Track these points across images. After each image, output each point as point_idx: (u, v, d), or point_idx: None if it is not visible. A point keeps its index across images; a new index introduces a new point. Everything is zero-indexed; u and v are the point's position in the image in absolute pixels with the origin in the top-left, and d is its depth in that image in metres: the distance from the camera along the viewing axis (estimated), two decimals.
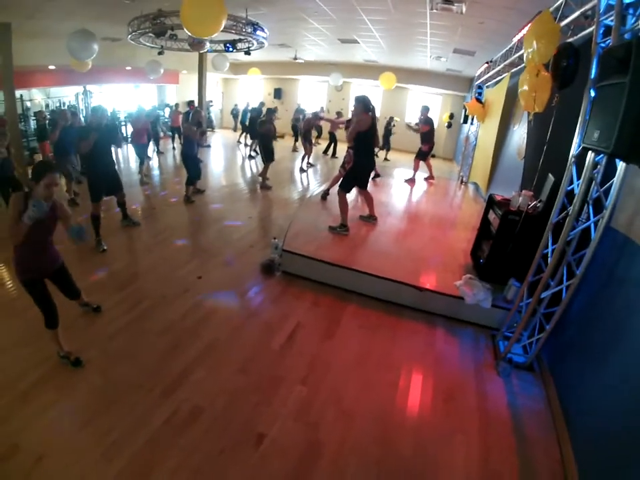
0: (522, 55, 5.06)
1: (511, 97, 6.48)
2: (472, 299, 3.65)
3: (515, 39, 4.73)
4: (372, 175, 6.40)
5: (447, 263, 4.37)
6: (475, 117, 9.07)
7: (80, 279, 3.11)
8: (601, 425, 2.17)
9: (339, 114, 12.05)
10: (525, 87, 3.40)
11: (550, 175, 3.58)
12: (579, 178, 2.79)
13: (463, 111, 10.02)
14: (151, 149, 10.74)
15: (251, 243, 5.03)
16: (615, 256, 2.56)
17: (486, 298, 3.64)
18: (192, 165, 6.46)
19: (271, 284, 4.05)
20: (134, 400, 2.44)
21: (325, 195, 6.39)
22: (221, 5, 4.32)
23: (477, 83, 8.99)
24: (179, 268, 4.21)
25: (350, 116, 6.56)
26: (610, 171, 2.61)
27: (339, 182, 4.96)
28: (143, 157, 7.95)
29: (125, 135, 11.92)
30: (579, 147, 2.78)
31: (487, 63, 6.83)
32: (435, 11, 5.78)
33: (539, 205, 3.58)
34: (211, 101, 16.53)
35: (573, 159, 2.89)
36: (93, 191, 4.50)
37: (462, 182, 9.61)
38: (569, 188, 2.92)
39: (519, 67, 5.63)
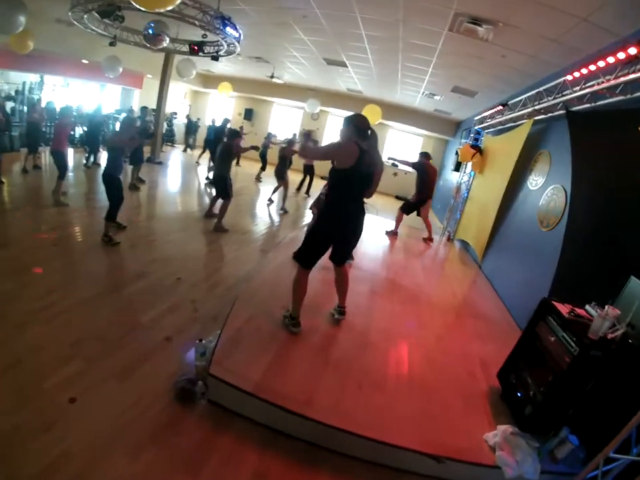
0: (565, 100, 3.92)
1: (530, 148, 5.34)
2: (515, 471, 2.20)
3: (566, 78, 3.50)
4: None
5: (464, 388, 2.83)
6: (470, 165, 7.98)
7: None
8: None
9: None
10: None
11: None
12: None
13: (455, 157, 8.92)
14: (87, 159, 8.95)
15: (168, 332, 3.02)
16: None
17: (533, 466, 2.22)
18: (118, 190, 4.68)
19: (189, 426, 2.21)
20: None
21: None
22: None
23: (476, 127, 7.92)
24: (51, 372, 2.38)
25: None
26: None
27: (296, 250, 3.01)
28: (63, 168, 6.09)
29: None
30: None
31: (502, 105, 5.70)
32: (453, 32, 4.54)
33: (623, 328, 2.20)
34: (175, 113, 14.86)
35: None
36: None
37: (449, 239, 8.38)
38: None
39: (556, 114, 4.41)
